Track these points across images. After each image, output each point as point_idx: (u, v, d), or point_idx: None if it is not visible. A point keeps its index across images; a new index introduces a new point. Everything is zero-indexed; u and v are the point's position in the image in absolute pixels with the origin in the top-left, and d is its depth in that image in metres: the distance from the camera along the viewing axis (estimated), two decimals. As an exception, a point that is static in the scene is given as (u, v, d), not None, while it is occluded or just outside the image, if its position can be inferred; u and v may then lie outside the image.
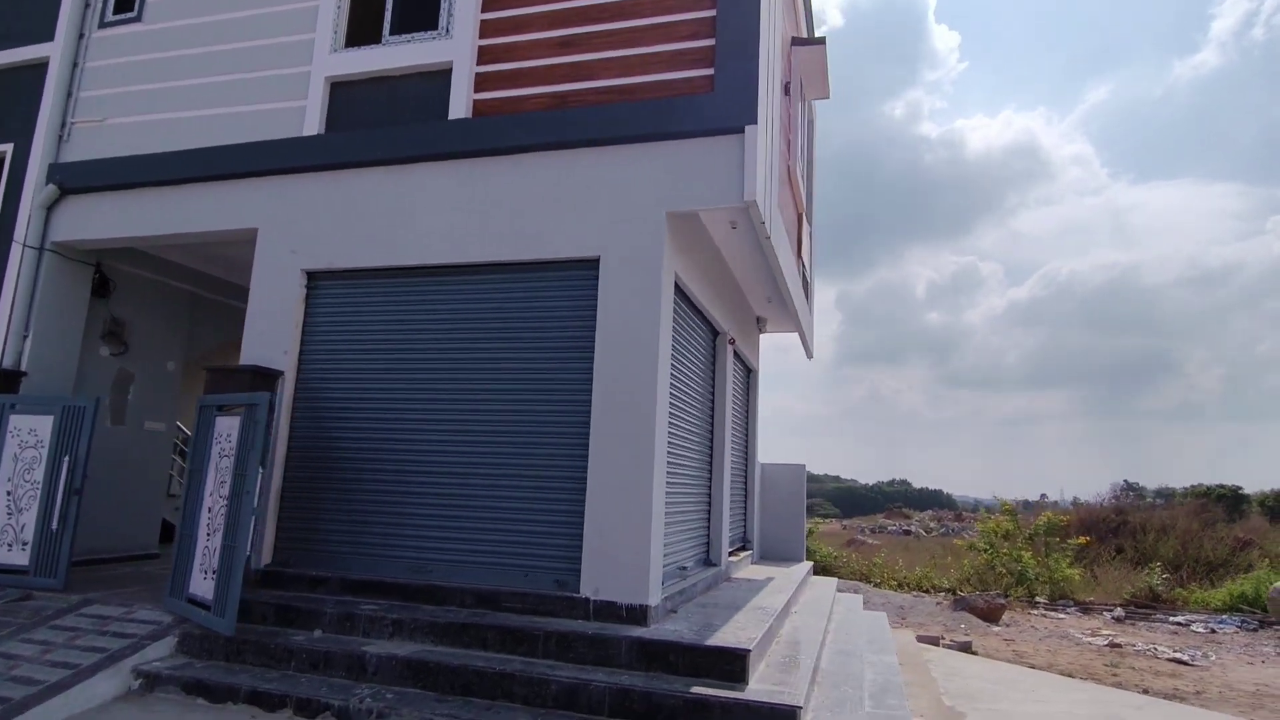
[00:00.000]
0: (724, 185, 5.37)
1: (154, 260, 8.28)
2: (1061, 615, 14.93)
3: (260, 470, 5.19)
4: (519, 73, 6.10)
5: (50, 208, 7.29)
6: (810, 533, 18.31)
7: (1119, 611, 15.18)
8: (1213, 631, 13.62)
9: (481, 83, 6.21)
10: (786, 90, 7.63)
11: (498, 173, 5.97)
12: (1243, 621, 14.29)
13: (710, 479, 7.79)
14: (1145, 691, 8.78)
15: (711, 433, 7.87)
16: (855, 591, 14.74)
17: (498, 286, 5.94)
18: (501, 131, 5.96)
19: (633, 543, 5.18)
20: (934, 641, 10.54)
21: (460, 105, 6.16)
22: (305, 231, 6.43)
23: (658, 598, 5.27)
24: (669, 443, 6.13)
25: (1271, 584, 15.12)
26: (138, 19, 7.44)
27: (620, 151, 5.70)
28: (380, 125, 6.41)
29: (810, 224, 10.74)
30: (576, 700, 4.44)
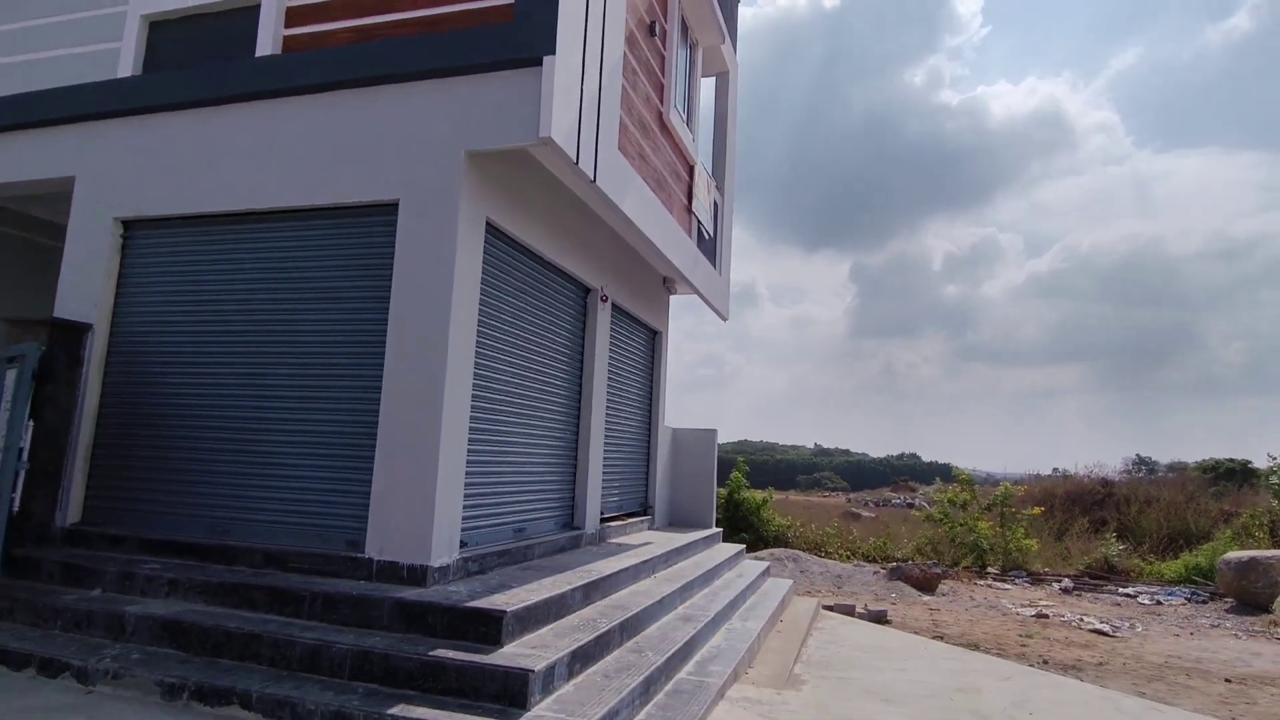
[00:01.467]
0: (521, 121, 5.01)
1: (12, 215, 8.04)
2: (1008, 586, 14.64)
3: (30, 423, 4.97)
4: (327, 6, 5.74)
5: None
6: (764, 503, 18.06)
7: (1067, 583, 14.86)
8: (1158, 603, 13.28)
9: (292, 18, 5.86)
10: (653, 30, 7.20)
11: (301, 113, 5.64)
12: (1193, 593, 13.93)
13: (576, 440, 7.51)
14: (1045, 662, 8.51)
15: (580, 392, 7.57)
16: (794, 560, 14.55)
17: (298, 234, 5.64)
18: (304, 68, 5.62)
19: (416, 502, 4.92)
20: (847, 610, 10.29)
21: (268, 41, 5.81)
22: (120, 179, 6.15)
23: (447, 558, 5.02)
24: (494, 400, 5.86)
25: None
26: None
27: (421, 87, 5.35)
28: (196, 66, 6.08)
29: (717, 179, 10.33)
30: (319, 663, 4.22)
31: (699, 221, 9.00)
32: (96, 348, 5.97)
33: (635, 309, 9.08)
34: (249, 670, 4.25)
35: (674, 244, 7.84)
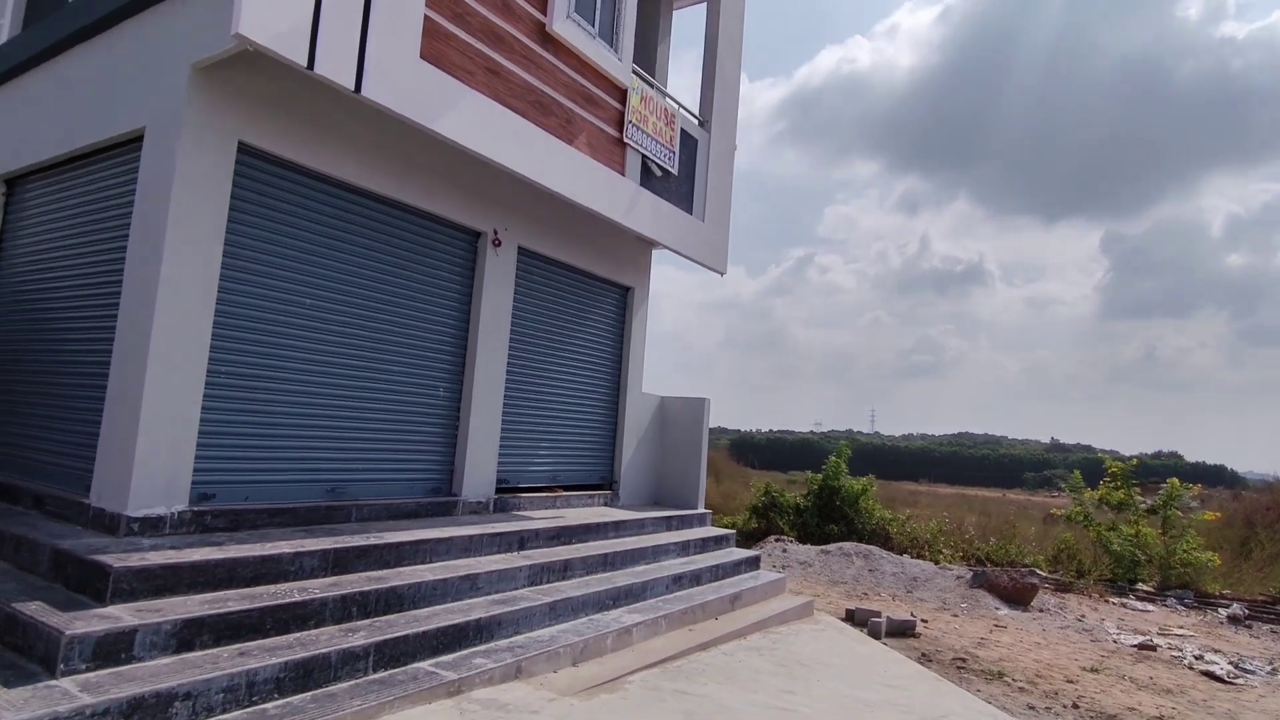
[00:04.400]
0: (226, 22, 4.44)
1: None
2: (1149, 608, 11.60)
3: None
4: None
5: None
6: (864, 492, 15.99)
7: (1238, 610, 11.47)
8: (1364, 648, 9.76)
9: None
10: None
11: (94, 50, 5.54)
12: None
13: (458, 398, 6.83)
14: (1074, 706, 6.43)
15: (465, 345, 6.87)
16: (863, 557, 12.65)
17: (97, 177, 5.54)
18: (90, 6, 5.47)
19: (120, 447, 4.58)
20: (866, 618, 8.61)
21: (78, -16, 5.78)
22: (5, 139, 6.46)
23: (160, 509, 4.61)
24: (273, 342, 5.39)
25: None
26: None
27: (165, 6, 4.98)
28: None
29: (704, 113, 9.04)
30: (-49, 606, 4.00)
31: (645, 157, 7.87)
32: (-26, 299, 6.34)
33: (579, 260, 8.17)
34: (-95, 607, 4.14)
35: (573, 178, 6.84)
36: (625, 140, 7.55)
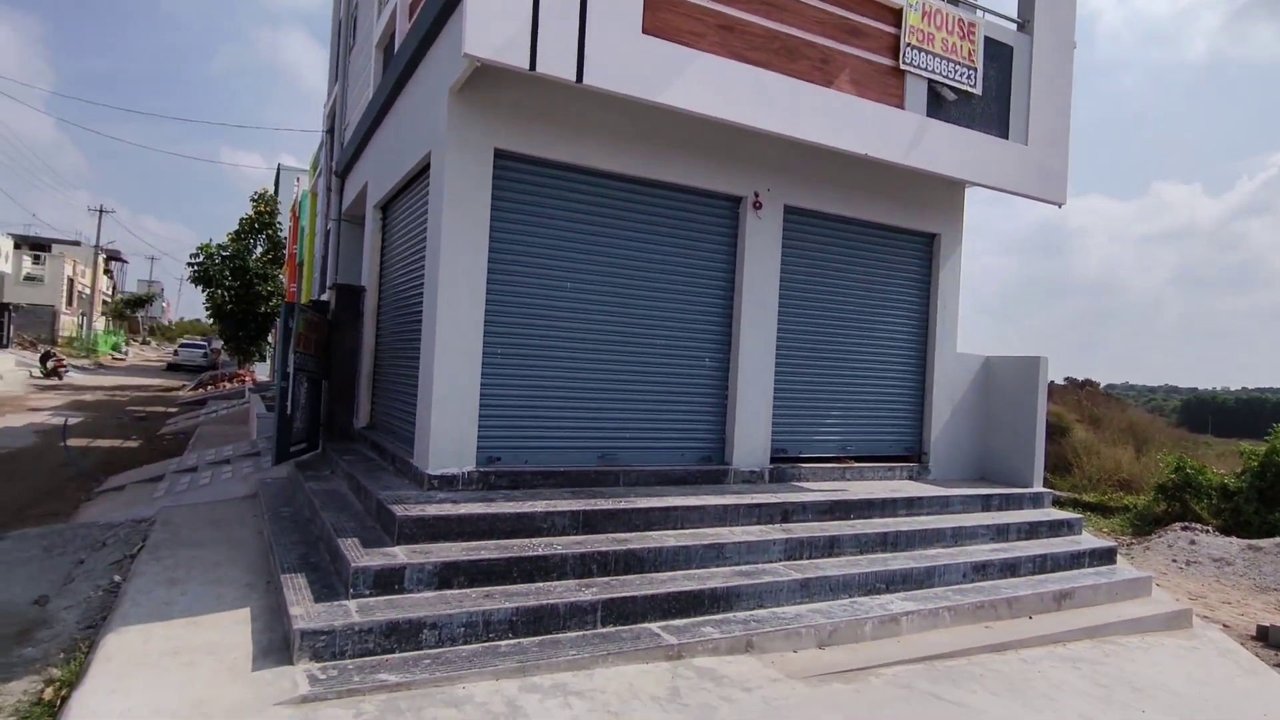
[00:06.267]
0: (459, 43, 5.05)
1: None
2: None
3: (294, 355, 7.34)
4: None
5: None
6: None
7: None
8: None
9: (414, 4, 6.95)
10: None
11: (401, 102, 6.83)
12: None
13: (727, 366, 6.81)
14: None
15: (730, 312, 6.81)
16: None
17: (419, 200, 6.80)
18: (401, 56, 6.66)
19: (421, 422, 5.63)
20: (1283, 639, 6.49)
21: (403, 34, 7.05)
22: (381, 175, 8.25)
23: (453, 469, 5.54)
24: (538, 331, 6.04)
25: None
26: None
27: (434, 49, 5.86)
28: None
29: (1024, 13, 7.50)
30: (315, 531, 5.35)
31: (931, 81, 6.84)
32: (369, 304, 8.26)
33: (861, 211, 7.46)
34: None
35: (833, 124, 6.24)
36: (902, 67, 6.66)
